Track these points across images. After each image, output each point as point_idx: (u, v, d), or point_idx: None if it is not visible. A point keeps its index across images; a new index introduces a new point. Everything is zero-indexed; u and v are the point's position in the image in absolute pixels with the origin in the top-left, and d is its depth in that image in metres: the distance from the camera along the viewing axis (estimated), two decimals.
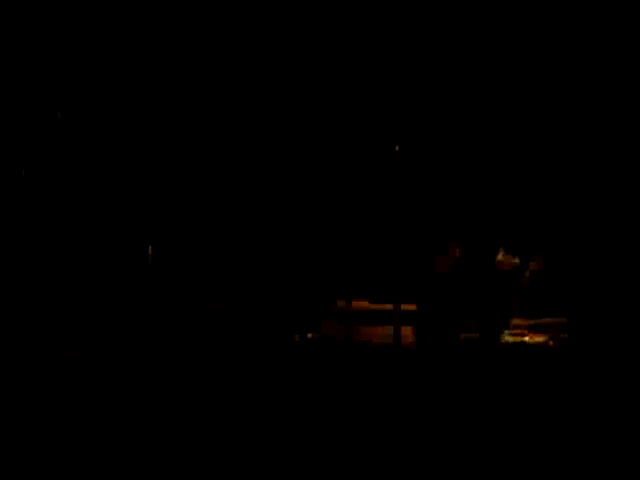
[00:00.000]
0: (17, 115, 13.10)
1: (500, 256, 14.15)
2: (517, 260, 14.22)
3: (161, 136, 14.12)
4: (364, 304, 15.35)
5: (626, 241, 13.53)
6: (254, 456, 5.73)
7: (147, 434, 6.63)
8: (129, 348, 12.22)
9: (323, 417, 7.71)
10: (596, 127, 13.72)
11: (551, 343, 14.07)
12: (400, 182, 14.26)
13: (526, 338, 15.25)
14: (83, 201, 13.71)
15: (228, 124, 14.45)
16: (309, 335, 14.25)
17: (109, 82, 13.86)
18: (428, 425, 7.39)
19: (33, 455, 4.82)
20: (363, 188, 14.54)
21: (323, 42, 14.22)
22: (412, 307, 14.47)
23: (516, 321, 15.23)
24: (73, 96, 13.56)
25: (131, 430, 6.83)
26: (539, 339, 14.48)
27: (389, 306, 14.97)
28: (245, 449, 5.99)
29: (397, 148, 14.25)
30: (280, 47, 14.07)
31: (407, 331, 14.35)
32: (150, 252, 13.87)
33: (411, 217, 14.34)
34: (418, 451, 6.16)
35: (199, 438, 6.34)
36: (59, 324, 12.51)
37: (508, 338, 14.89)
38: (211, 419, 7.36)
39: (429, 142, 14.43)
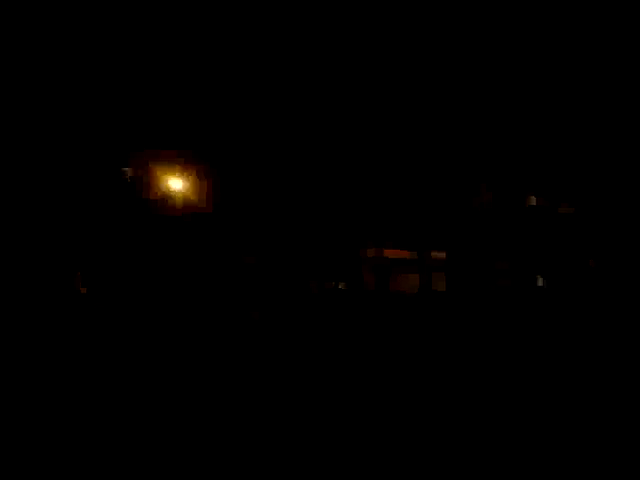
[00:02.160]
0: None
1: (531, 200, 13.95)
2: (547, 204, 14.00)
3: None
4: (395, 252, 15.43)
5: None
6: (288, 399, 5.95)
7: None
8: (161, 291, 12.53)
9: (357, 365, 7.91)
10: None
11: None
12: (424, 127, 14.07)
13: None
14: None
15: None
16: (340, 285, 14.43)
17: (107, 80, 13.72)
18: (461, 373, 7.51)
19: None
20: (388, 134, 14.36)
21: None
22: (443, 254, 14.54)
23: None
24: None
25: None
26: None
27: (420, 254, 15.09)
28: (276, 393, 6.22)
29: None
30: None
31: (439, 278, 14.45)
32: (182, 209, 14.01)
33: (438, 160, 14.18)
34: (448, 395, 6.31)
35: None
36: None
37: (540, 282, 14.88)
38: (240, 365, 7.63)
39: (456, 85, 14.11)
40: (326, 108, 14.12)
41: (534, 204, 13.99)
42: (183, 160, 14.56)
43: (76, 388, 6.27)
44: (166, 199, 14.32)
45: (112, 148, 13.69)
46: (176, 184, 14.41)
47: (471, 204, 14.28)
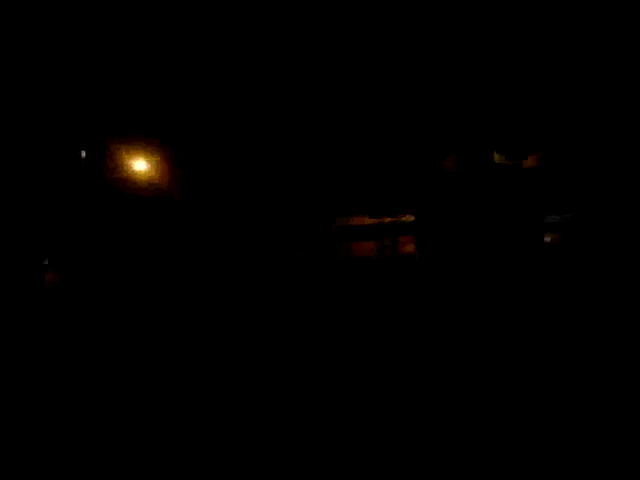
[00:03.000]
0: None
1: (496, 158, 13.99)
2: (512, 162, 14.04)
3: None
4: (365, 220, 15.49)
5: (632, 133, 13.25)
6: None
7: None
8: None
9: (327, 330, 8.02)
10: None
11: (557, 241, 14.09)
12: (391, 99, 14.05)
13: None
14: None
15: None
16: (315, 255, 14.49)
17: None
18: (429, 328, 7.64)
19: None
20: (356, 101, 14.32)
21: None
22: (411, 218, 14.62)
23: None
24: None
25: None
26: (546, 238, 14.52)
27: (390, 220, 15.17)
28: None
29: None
30: None
31: (407, 240, 14.54)
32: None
33: (405, 129, 14.18)
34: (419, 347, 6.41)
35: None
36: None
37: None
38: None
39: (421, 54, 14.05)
40: (287, 80, 14.04)
41: (499, 161, 14.05)
42: (150, 145, 14.48)
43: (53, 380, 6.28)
44: (132, 183, 14.26)
45: (74, 130, 13.56)
46: (142, 168, 14.34)
47: (436, 165, 14.33)
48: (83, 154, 13.23)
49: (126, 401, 5.15)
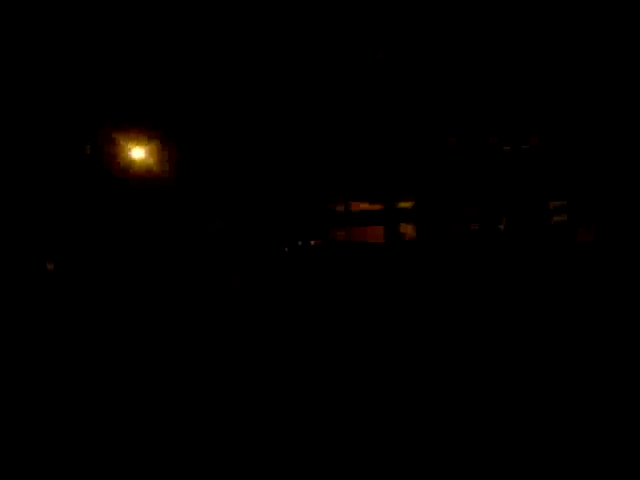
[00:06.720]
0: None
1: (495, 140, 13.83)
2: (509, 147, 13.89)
3: None
4: (364, 206, 15.34)
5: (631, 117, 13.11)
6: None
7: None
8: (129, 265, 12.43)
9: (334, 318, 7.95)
10: None
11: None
12: (387, 83, 13.89)
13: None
14: None
15: None
16: (312, 242, 14.38)
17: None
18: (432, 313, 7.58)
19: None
20: (350, 90, 14.19)
21: None
22: (410, 204, 14.47)
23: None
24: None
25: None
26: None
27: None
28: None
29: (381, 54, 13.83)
30: None
31: (407, 229, 14.41)
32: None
33: (402, 115, 14.04)
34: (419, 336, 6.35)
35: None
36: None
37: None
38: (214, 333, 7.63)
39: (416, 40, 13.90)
40: (281, 64, 13.92)
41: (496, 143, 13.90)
42: (146, 133, 14.36)
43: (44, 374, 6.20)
44: (130, 171, 14.14)
45: (72, 121, 13.45)
46: (139, 156, 14.22)
47: (435, 151, 14.21)
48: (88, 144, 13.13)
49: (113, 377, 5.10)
